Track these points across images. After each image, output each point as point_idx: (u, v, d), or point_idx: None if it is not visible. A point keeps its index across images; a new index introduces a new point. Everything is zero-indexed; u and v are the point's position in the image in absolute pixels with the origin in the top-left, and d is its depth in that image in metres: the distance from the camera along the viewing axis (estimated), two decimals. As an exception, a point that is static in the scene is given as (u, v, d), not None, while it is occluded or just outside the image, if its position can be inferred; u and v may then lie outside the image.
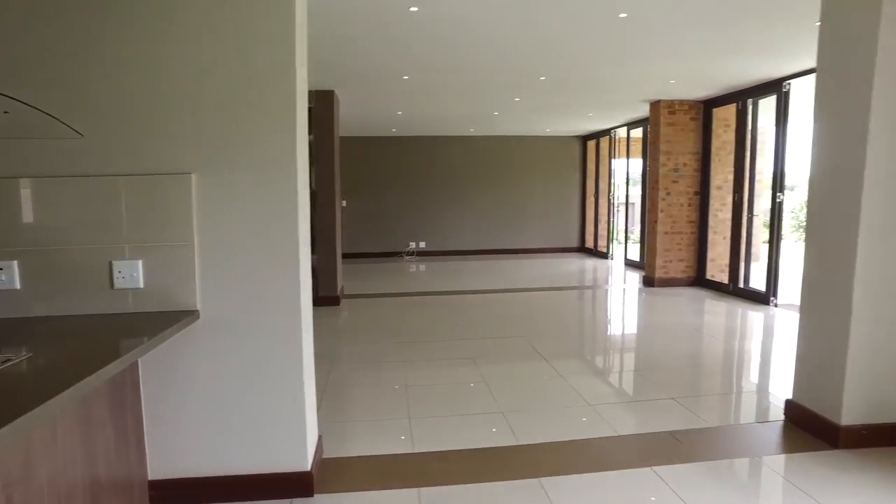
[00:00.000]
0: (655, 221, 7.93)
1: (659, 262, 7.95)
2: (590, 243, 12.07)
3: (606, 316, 6.68)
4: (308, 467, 2.53)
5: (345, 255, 11.97)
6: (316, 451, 2.71)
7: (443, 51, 5.06)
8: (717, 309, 6.62)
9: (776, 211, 6.46)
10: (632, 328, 6.00)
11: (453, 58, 5.30)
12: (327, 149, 6.86)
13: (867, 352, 2.88)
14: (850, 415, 2.90)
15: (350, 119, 9.17)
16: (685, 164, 7.88)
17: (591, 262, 10.85)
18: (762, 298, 6.72)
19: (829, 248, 3.01)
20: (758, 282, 7.05)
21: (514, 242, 12.32)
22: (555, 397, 3.71)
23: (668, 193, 7.89)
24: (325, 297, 6.98)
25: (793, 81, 6.31)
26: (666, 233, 7.93)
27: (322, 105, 6.74)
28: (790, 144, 6.41)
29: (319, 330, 5.84)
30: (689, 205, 7.95)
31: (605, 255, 11.30)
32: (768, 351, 4.97)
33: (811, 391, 3.12)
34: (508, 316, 6.31)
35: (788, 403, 3.27)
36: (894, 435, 2.89)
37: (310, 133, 7.22)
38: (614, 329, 5.97)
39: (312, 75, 6.05)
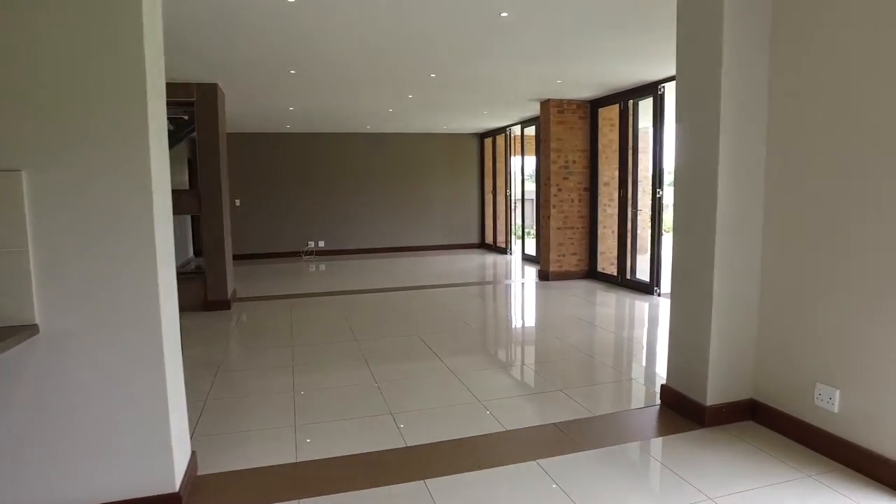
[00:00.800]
0: (548, 217, 8.19)
1: (553, 256, 8.21)
2: (489, 239, 12.30)
3: (501, 311, 6.80)
4: (176, 488, 2.35)
5: (241, 257, 11.47)
6: (188, 470, 2.53)
7: (327, 46, 4.91)
8: (606, 300, 6.93)
9: (657, 206, 6.85)
10: (525, 322, 6.14)
11: (339, 53, 5.17)
12: (212, 145, 6.49)
13: (725, 335, 3.09)
14: (713, 395, 3.10)
15: (241, 114, 8.75)
16: (575, 162, 8.19)
17: (490, 258, 11.05)
18: (647, 289, 7.11)
19: (693, 238, 3.19)
20: (643, 273, 7.46)
21: (414, 240, 12.31)
22: (446, 396, 3.70)
23: (560, 190, 8.16)
24: (214, 302, 6.62)
25: (666, 85, 6.71)
26: (559, 228, 8.21)
27: (205, 99, 6.36)
28: (667, 143, 6.83)
29: (206, 336, 5.54)
30: (580, 200, 8.28)
31: (504, 251, 11.55)
32: (652, 339, 5.25)
33: (681, 375, 3.30)
34: (405, 314, 6.26)
35: (663, 388, 3.45)
36: (747, 409, 3.13)
37: (193, 129, 6.82)
38: (508, 324, 6.09)
39: (192, 67, 5.71)
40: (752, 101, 2.99)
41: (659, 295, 6.96)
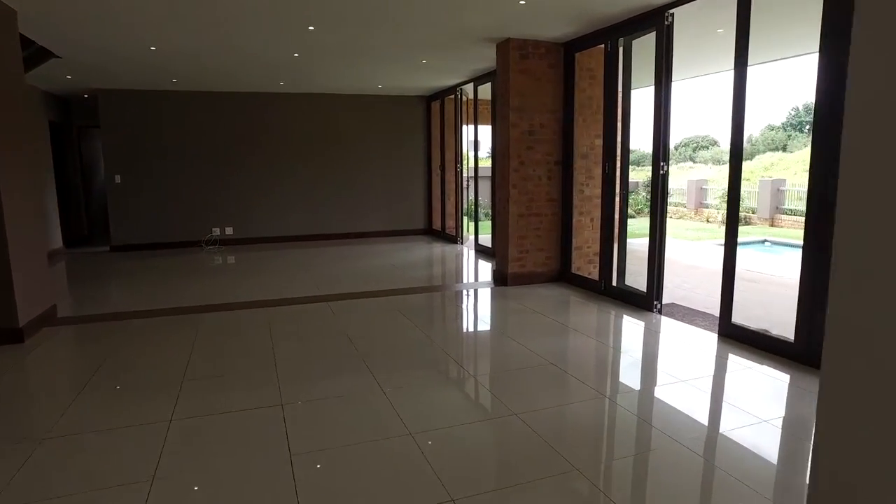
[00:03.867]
0: (507, 199, 6.07)
1: (513, 252, 6.13)
2: (438, 225, 10.15)
3: (430, 347, 4.55)
4: None
5: (122, 248, 9.04)
6: None
7: None
8: (585, 322, 4.89)
9: (660, 186, 4.81)
10: (464, 374, 3.95)
11: None
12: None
13: None
14: None
15: (94, 59, 6.33)
16: (543, 126, 6.08)
17: (437, 249, 8.92)
18: (642, 302, 5.10)
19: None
20: (636, 279, 5.45)
21: (346, 226, 10.07)
22: None
23: (523, 163, 6.05)
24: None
25: (676, 10, 4.65)
26: (521, 215, 6.11)
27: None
28: (676, 97, 4.79)
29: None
30: (549, 178, 6.19)
31: (454, 240, 9.42)
32: (669, 412, 3.22)
33: None
34: (285, 350, 4.08)
35: None
36: None
37: None
38: (436, 377, 3.92)
39: None
40: None
41: (660, 311, 4.96)
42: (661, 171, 4.77)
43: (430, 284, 6.37)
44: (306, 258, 8.19)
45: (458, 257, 8.26)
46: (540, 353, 3.93)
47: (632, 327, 4.70)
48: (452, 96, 9.14)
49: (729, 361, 3.82)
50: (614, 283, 5.56)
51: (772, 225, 15.16)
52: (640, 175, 17.27)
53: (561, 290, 5.88)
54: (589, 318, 4.96)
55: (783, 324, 4.79)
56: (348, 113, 9.82)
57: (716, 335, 4.32)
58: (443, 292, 6.05)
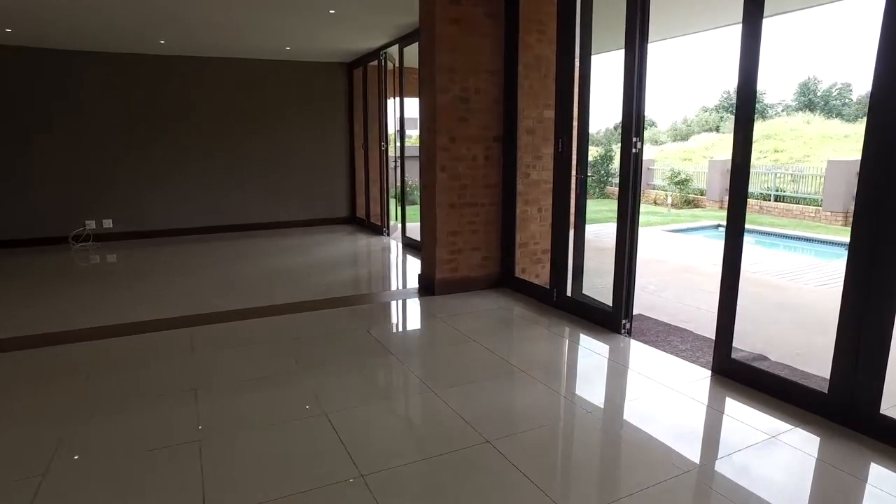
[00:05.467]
0: (434, 186, 4.77)
1: (442, 253, 4.85)
2: (362, 213, 8.77)
3: (312, 419, 3.31)
4: None
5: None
6: None
7: None
8: (532, 354, 3.68)
9: (632, 168, 3.61)
10: (348, 472, 2.72)
11: None
12: None
13: None
14: None
15: None
16: (478, 92, 4.78)
17: (362, 242, 7.57)
18: (606, 320, 3.93)
19: None
20: (597, 286, 4.29)
21: (259, 215, 8.54)
22: None
23: (454, 140, 4.75)
24: None
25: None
26: (452, 205, 4.83)
27: None
28: (655, 56, 3.60)
29: None
30: (487, 158, 4.92)
31: (379, 231, 8.06)
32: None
33: None
34: (84, 436, 2.68)
35: None
36: None
37: None
38: (302, 486, 2.63)
39: None
40: None
41: (629, 333, 3.81)
42: (634, 150, 3.57)
43: (338, 295, 4.99)
44: (199, 257, 6.68)
45: (383, 253, 6.93)
46: (471, 419, 2.68)
47: (595, 362, 3.51)
48: (375, 62, 7.71)
49: (733, 421, 2.67)
50: (569, 293, 4.37)
51: (721, 207, 14.51)
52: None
53: (502, 302, 4.65)
54: (538, 347, 3.75)
55: (780, 345, 3.77)
56: (256, 82, 8.22)
57: (708, 372, 3.20)
58: (353, 308, 4.68)
